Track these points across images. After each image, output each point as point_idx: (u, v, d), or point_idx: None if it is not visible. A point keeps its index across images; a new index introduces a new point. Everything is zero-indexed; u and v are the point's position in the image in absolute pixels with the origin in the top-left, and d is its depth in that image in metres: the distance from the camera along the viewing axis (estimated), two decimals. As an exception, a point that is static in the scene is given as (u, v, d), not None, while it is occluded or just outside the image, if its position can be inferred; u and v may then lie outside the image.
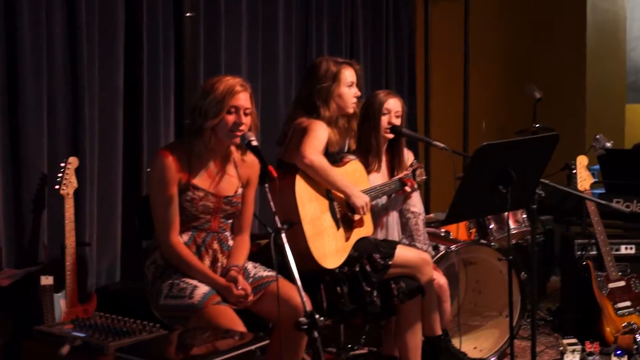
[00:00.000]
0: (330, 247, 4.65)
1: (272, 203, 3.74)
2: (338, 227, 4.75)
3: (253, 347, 3.56)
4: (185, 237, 4.25)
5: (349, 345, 5.68)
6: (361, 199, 4.77)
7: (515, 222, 6.14)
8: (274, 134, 5.01)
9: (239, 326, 3.97)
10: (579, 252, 6.16)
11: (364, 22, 7.65)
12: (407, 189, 5.20)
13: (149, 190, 4.33)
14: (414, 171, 5.25)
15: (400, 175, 5.21)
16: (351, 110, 4.90)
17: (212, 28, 6.23)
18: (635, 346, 5.57)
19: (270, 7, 6.72)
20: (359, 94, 4.92)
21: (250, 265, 4.45)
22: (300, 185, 4.56)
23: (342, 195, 4.78)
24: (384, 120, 5.17)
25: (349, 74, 4.87)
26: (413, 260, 4.90)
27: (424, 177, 5.38)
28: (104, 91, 5.45)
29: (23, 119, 4.98)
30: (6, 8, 4.94)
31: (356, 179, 4.92)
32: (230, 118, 4.15)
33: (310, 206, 4.59)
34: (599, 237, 5.93)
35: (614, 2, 9.74)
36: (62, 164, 4.93)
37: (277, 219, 3.73)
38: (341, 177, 4.73)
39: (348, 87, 4.86)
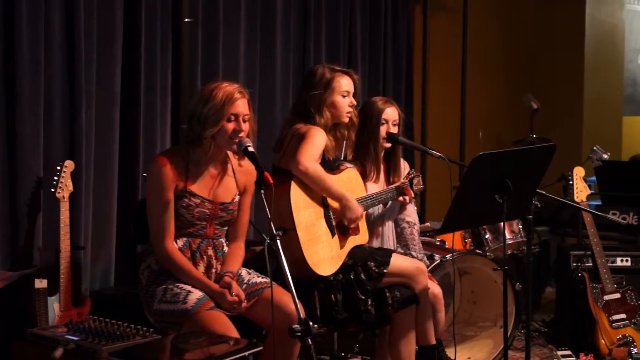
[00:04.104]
0: (325, 254, 4.64)
1: (267, 209, 3.73)
2: (333, 235, 4.74)
3: (246, 353, 3.56)
4: (180, 242, 4.25)
5: (342, 354, 5.67)
6: (354, 212, 4.76)
7: (511, 232, 6.13)
8: (271, 139, 5.01)
9: (232, 332, 3.96)
10: (574, 264, 6.15)
11: (362, 31, 7.65)
12: (406, 199, 5.19)
13: (145, 196, 4.32)
14: (411, 180, 5.24)
15: (398, 184, 5.20)
16: (346, 119, 4.87)
17: (211, 33, 6.23)
18: (630, 359, 5.57)
19: (268, 13, 6.72)
20: (354, 103, 4.88)
21: (244, 272, 4.44)
22: (296, 192, 4.55)
23: (337, 203, 4.78)
24: (382, 130, 5.16)
25: (344, 83, 4.84)
26: (408, 269, 4.88)
27: (422, 187, 5.36)
28: (101, 95, 5.45)
29: (20, 121, 4.98)
30: (5, 10, 4.94)
31: (352, 187, 4.91)
32: (230, 126, 4.15)
33: (305, 213, 4.58)
34: (594, 249, 5.92)
35: (612, 14, 9.75)
36: (58, 167, 4.93)
37: (272, 225, 3.72)
38: (336, 184, 4.72)
39: (342, 96, 4.83)
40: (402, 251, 5.30)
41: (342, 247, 4.77)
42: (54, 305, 4.82)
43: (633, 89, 10.33)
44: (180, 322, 4.05)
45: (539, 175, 4.58)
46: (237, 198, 4.37)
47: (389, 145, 5.21)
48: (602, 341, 5.78)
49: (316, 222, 4.64)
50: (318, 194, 4.68)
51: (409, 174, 5.30)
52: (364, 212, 4.88)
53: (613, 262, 6.18)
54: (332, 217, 4.75)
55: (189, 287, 4.15)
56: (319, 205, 4.70)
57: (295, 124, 4.75)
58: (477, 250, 5.87)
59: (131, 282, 5.29)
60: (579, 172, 6.10)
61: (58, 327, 4.07)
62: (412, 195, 5.25)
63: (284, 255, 3.68)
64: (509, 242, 6.09)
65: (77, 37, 5.24)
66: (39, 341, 3.92)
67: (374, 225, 5.20)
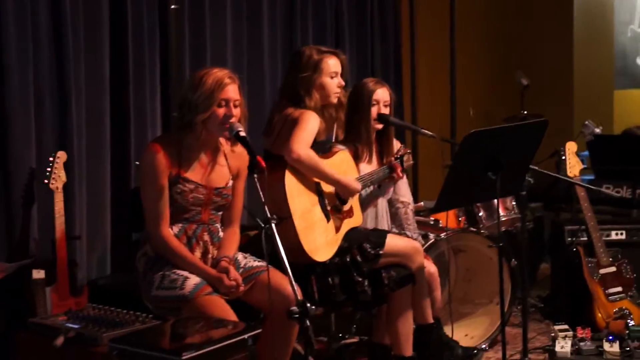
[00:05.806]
0: (321, 240, 4.64)
1: (261, 194, 3.73)
2: (328, 220, 4.74)
3: (245, 336, 3.58)
4: (176, 229, 4.25)
5: (340, 335, 5.68)
6: (351, 192, 4.80)
7: (504, 209, 6.14)
8: (260, 124, 5.01)
9: (231, 316, 3.98)
10: (569, 239, 6.17)
11: (349, 11, 7.64)
12: (395, 176, 5.19)
13: (139, 183, 4.32)
14: (401, 157, 5.24)
15: (389, 160, 5.20)
16: (334, 100, 4.87)
17: (197, 20, 6.21)
18: (627, 331, 5.58)
19: (255, -3, 6.72)
20: (342, 83, 4.88)
21: (240, 256, 4.45)
22: (290, 180, 4.54)
23: (331, 188, 4.78)
24: (374, 110, 5.16)
25: (332, 64, 4.84)
26: (404, 248, 4.90)
27: (411, 162, 5.38)
28: (90, 84, 5.44)
29: (10, 114, 4.97)
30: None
31: (344, 170, 4.90)
32: (221, 111, 4.15)
33: (300, 200, 4.57)
34: (589, 223, 5.92)
35: (601, -14, 9.76)
36: (51, 158, 4.92)
37: (266, 209, 3.73)
38: (330, 169, 4.72)
39: (331, 77, 4.83)
40: (397, 231, 5.31)
41: (337, 231, 4.78)
42: (52, 296, 4.83)
43: (624, 61, 10.32)
44: (178, 307, 4.06)
45: (532, 152, 4.58)
46: (230, 183, 4.37)
47: (380, 126, 5.21)
48: (599, 315, 5.80)
49: (312, 209, 4.64)
50: (312, 180, 4.68)
51: (398, 150, 5.30)
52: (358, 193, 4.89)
53: (608, 235, 6.20)
54: (326, 202, 4.75)
55: (186, 273, 4.15)
56: (313, 191, 4.70)
57: (286, 107, 4.75)
58: (471, 228, 5.89)
59: (127, 270, 5.29)
60: (571, 147, 6.10)
61: (58, 315, 4.10)
62: (401, 171, 5.23)
63: (281, 242, 3.68)
64: (503, 219, 6.10)
65: (64, 26, 5.22)
66: (40, 330, 3.95)
67: (367, 204, 5.21)
